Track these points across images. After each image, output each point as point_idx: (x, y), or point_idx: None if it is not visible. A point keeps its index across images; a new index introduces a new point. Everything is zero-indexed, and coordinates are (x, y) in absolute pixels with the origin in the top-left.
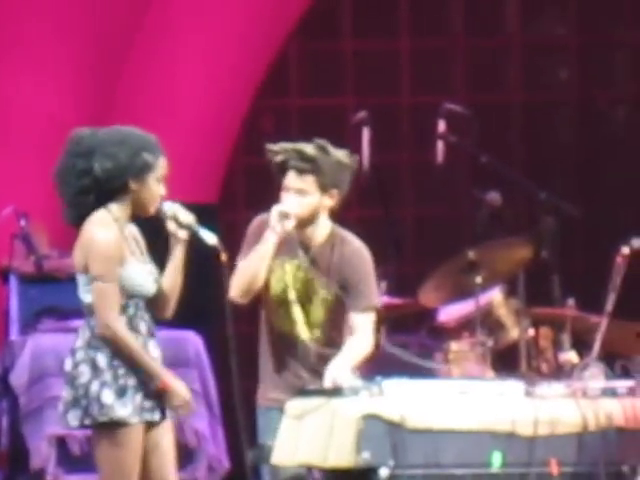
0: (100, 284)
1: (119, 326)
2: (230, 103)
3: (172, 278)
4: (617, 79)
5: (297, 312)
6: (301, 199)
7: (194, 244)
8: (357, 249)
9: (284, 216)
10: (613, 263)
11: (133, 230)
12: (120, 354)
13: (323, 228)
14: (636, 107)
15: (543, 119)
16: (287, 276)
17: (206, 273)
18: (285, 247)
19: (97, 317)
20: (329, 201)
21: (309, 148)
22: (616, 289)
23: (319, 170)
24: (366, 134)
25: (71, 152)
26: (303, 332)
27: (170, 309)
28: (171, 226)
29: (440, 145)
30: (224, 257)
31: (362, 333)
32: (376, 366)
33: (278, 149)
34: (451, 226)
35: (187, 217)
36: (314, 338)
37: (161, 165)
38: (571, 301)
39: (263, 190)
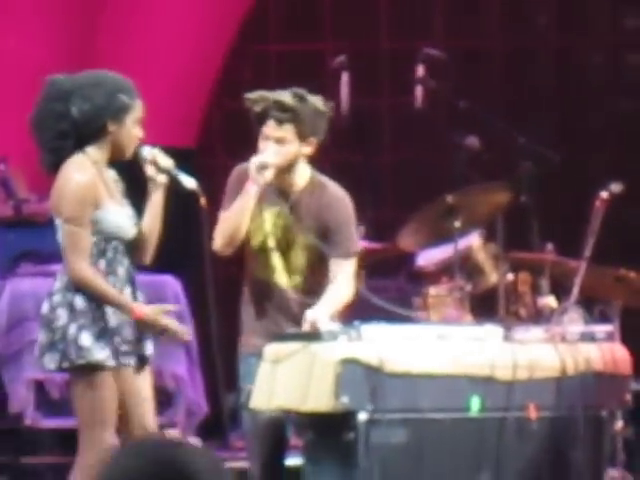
0: (70, 227)
1: (85, 269)
2: (208, 48)
3: (151, 222)
4: (595, 26)
5: (276, 259)
6: (280, 148)
7: (173, 188)
8: (338, 195)
9: (263, 167)
10: (592, 208)
11: (112, 174)
12: (91, 295)
13: (302, 175)
14: (614, 53)
15: (522, 65)
16: (266, 224)
17: (185, 217)
18: (264, 195)
19: (65, 260)
20: (307, 149)
21: (288, 98)
22: (595, 234)
23: (298, 119)
24: (345, 78)
25: (48, 97)
26: (283, 279)
27: (149, 254)
28: (150, 170)
29: (419, 90)
30: (203, 201)
31: (342, 280)
32: (355, 311)
33: (257, 98)
34: (430, 170)
35: (166, 161)
36: (294, 285)
37: (138, 107)
38: (550, 246)
39: (241, 135)
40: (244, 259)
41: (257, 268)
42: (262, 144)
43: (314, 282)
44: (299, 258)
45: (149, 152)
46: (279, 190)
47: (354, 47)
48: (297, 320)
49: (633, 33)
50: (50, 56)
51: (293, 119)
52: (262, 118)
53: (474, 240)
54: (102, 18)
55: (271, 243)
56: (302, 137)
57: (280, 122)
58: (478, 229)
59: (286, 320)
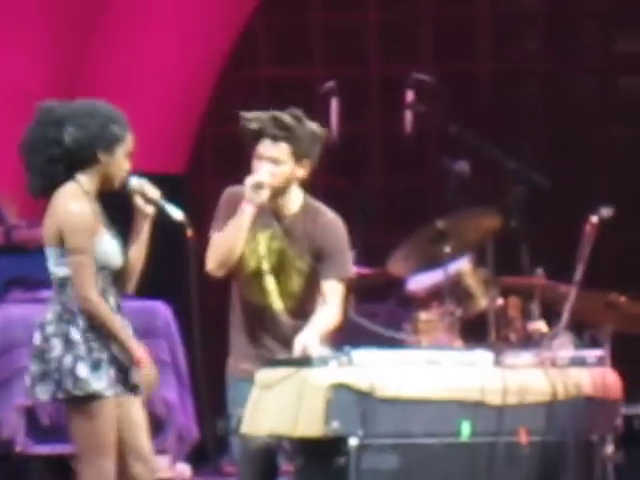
0: (78, 257)
1: (98, 299)
2: (198, 74)
3: (137, 252)
4: (584, 50)
5: (271, 283)
6: (275, 168)
7: (161, 215)
8: (332, 220)
9: (259, 186)
10: (582, 232)
11: (96, 205)
12: (99, 326)
13: (295, 198)
14: (603, 77)
15: (511, 89)
16: (260, 247)
17: (174, 245)
18: (257, 218)
19: (76, 290)
20: (301, 171)
21: (285, 116)
22: (585, 258)
23: (294, 139)
24: (335, 104)
25: (41, 122)
26: (276, 303)
27: (133, 283)
28: (138, 201)
29: (408, 115)
30: (190, 232)
31: (331, 302)
32: (345, 336)
33: (253, 117)
34: (420, 196)
35: (154, 192)
36: (288, 309)
37: (129, 139)
38: (540, 270)
39: (231, 160)
40: (233, 282)
41: (250, 292)
42: (256, 164)
43: (308, 306)
44: (293, 282)
45: (137, 183)
46: (273, 213)
47: (343, 73)
48: (289, 343)
49: (624, 58)
50: (39, 83)
51: (289, 138)
52: (257, 137)
53: (464, 265)
54: (92, 41)
55: (265, 266)
56: (297, 158)
57: (276, 140)
58: (468, 254)
59: (279, 345)
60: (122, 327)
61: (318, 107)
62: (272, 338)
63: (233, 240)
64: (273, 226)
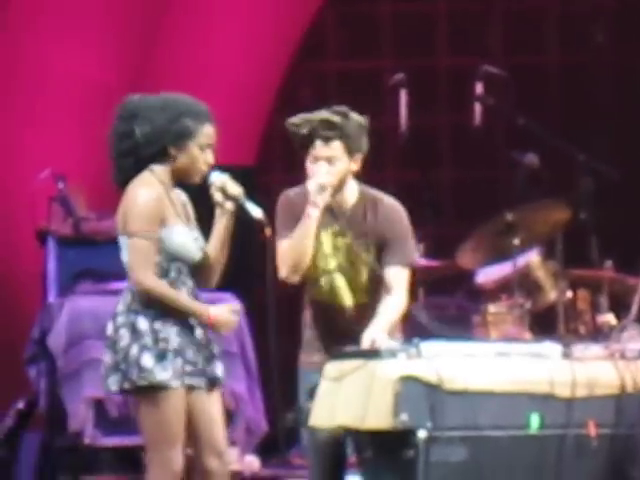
0: (135, 240)
1: (151, 277)
2: (268, 67)
3: (217, 248)
4: None
5: (340, 281)
6: (331, 167)
7: (237, 210)
8: (391, 206)
9: (322, 188)
10: None
11: (182, 196)
12: (158, 305)
13: (352, 192)
14: None
15: (581, 81)
16: (324, 246)
17: (248, 239)
18: (318, 217)
19: (130, 274)
20: (355, 165)
21: (333, 116)
22: None
23: (345, 135)
24: (403, 96)
25: (117, 116)
26: (347, 299)
27: (214, 279)
28: (218, 196)
29: (477, 107)
30: (269, 232)
31: (397, 290)
32: (414, 328)
33: (301, 122)
34: (489, 188)
35: (235, 188)
36: (359, 304)
37: (205, 133)
38: (609, 263)
39: (300, 154)
40: (304, 282)
41: (319, 292)
42: (311, 167)
43: (375, 298)
44: (362, 276)
45: (218, 178)
46: (331, 210)
47: (412, 65)
48: (357, 338)
49: None
50: (110, 76)
51: (340, 136)
52: (309, 140)
53: (533, 257)
54: (159, 39)
55: (332, 265)
56: (350, 153)
57: (328, 140)
58: (537, 246)
59: (350, 339)
60: (186, 297)
61: (387, 99)
62: (343, 333)
63: (303, 245)
64: (334, 223)
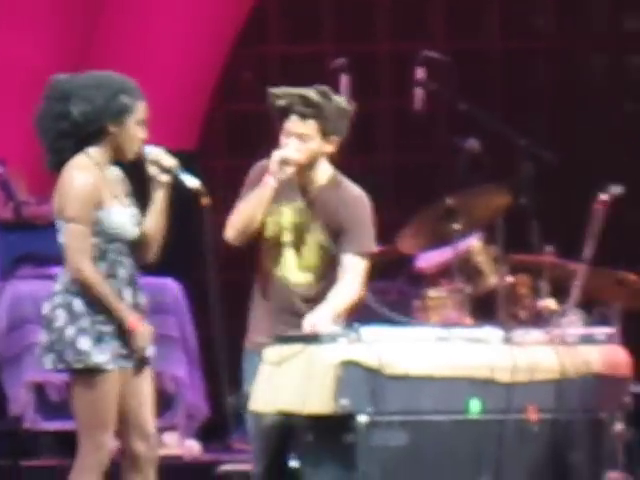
0: (72, 226)
1: (88, 269)
2: (210, 50)
3: (154, 222)
4: (594, 27)
5: (290, 255)
6: (302, 144)
7: (173, 189)
8: (357, 196)
9: (285, 162)
10: (592, 210)
11: (117, 173)
12: (89, 295)
13: (323, 173)
14: (614, 54)
15: (522, 66)
16: (284, 218)
17: (185, 219)
18: (284, 190)
19: (67, 259)
20: (329, 147)
21: (312, 93)
22: (595, 236)
23: (321, 115)
24: (344, 81)
25: (49, 97)
26: (294, 276)
27: (153, 253)
28: (153, 170)
29: (419, 92)
30: (206, 200)
31: (350, 278)
32: (356, 313)
33: (281, 93)
34: (430, 173)
35: (170, 161)
36: (305, 283)
37: (140, 108)
38: (550, 248)
39: (242, 137)
40: (256, 254)
41: (269, 262)
42: (284, 140)
43: (326, 282)
44: (312, 256)
45: (152, 151)
46: (299, 186)
47: (354, 49)
48: (303, 317)
49: (634, 35)
50: (49, 60)
51: (317, 115)
52: (285, 113)
53: (474, 242)
54: (101, 21)
55: (286, 238)
56: (324, 134)
57: (304, 117)
58: (478, 231)
59: (292, 318)
60: (114, 296)
61: (328, 84)
62: (289, 313)
63: (252, 211)
64: (298, 199)
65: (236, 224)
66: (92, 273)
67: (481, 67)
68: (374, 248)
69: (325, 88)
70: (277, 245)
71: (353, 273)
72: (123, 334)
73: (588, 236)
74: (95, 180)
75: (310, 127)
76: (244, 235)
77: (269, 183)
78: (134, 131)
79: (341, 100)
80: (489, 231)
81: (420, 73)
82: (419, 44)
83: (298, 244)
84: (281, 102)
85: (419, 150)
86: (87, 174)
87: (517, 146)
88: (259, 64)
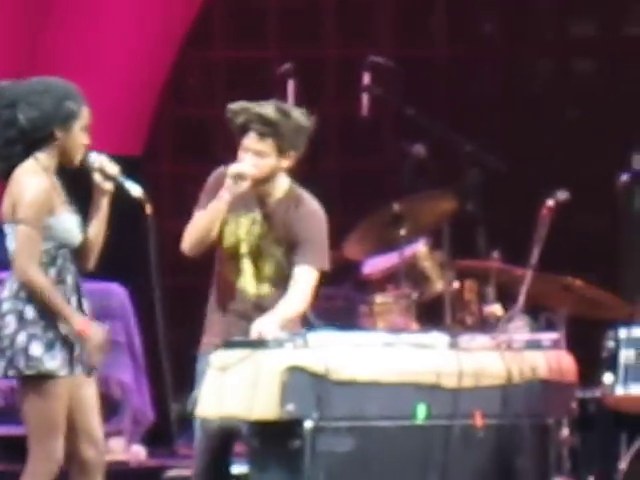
0: (23, 228)
1: (36, 272)
2: (155, 55)
3: (96, 229)
4: (542, 33)
5: (247, 266)
6: (258, 160)
7: (118, 195)
8: (312, 210)
9: (240, 176)
10: (538, 216)
11: (56, 181)
12: (37, 300)
13: (280, 186)
14: (560, 60)
15: (468, 72)
16: (241, 229)
17: (131, 225)
18: (242, 201)
19: (15, 261)
20: (286, 162)
21: (271, 111)
22: (541, 242)
23: (279, 134)
24: (291, 86)
25: None
26: (250, 286)
27: (93, 260)
28: (97, 177)
29: (365, 98)
30: (149, 209)
31: (298, 288)
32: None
33: (238, 110)
34: (376, 178)
35: (113, 168)
36: (261, 293)
37: (85, 114)
38: (496, 254)
39: (187, 142)
40: (215, 262)
41: (227, 272)
42: (241, 155)
43: (279, 294)
44: (269, 268)
45: (96, 159)
46: (257, 198)
47: (300, 55)
48: None
49: (579, 41)
50: None
51: (274, 133)
52: (243, 130)
53: (420, 248)
54: (48, 22)
55: (243, 249)
56: (281, 151)
57: (261, 135)
58: (424, 237)
59: (246, 326)
60: (63, 300)
61: (275, 89)
62: (243, 320)
63: (208, 224)
64: (255, 211)
65: (192, 237)
66: (40, 277)
67: (427, 73)
68: (326, 266)
69: (284, 105)
70: (235, 255)
71: (303, 284)
72: (71, 339)
73: (534, 241)
74: (47, 185)
75: (267, 145)
76: (200, 247)
77: (224, 197)
78: (79, 136)
79: (300, 116)
80: (435, 236)
81: (366, 78)
82: (365, 50)
83: (255, 255)
84: (239, 119)
85: (365, 155)
86: (41, 179)
87: (463, 152)
88: (205, 68)
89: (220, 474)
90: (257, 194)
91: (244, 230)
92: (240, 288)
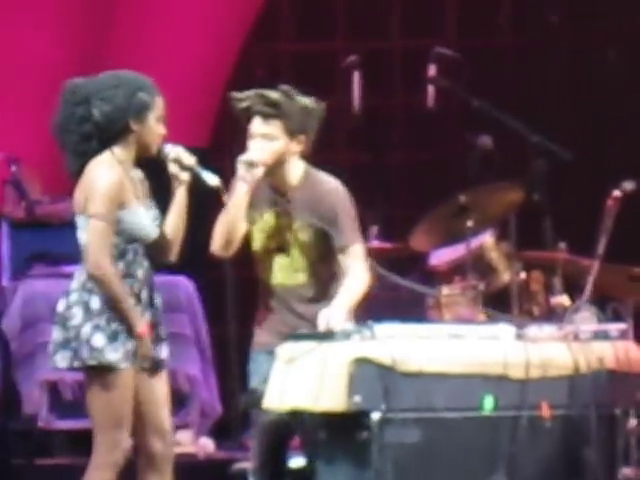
0: (96, 222)
1: (109, 267)
2: (221, 48)
3: (175, 221)
4: (609, 19)
5: (279, 260)
6: (266, 144)
7: (191, 187)
8: (332, 187)
9: (251, 164)
10: (605, 206)
11: (138, 174)
12: (106, 294)
13: (295, 172)
14: (628, 48)
15: (535, 62)
16: (267, 226)
17: (200, 216)
18: (261, 198)
19: (88, 255)
20: (297, 146)
21: (272, 93)
22: (608, 232)
23: (284, 114)
24: (357, 78)
25: (68, 101)
26: (287, 279)
27: (174, 252)
28: (173, 168)
29: (431, 89)
30: (226, 199)
31: (354, 270)
32: (369, 310)
33: (242, 96)
34: (442, 170)
35: (189, 159)
36: (299, 284)
37: (159, 105)
38: (563, 244)
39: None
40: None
41: (263, 271)
42: (249, 142)
43: (318, 280)
44: (300, 256)
45: (172, 149)
46: (274, 190)
47: (366, 46)
48: (303, 318)
49: None
50: (65, 56)
51: (279, 114)
52: (248, 115)
53: (487, 239)
54: (116, 17)
55: (272, 244)
56: (290, 133)
57: (266, 117)
58: (491, 228)
59: (297, 320)
60: (128, 298)
61: (340, 81)
62: (286, 313)
63: (232, 219)
64: (277, 204)
65: (219, 236)
66: (110, 271)
67: (493, 64)
68: (359, 235)
69: (288, 87)
70: (266, 253)
71: (355, 263)
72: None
73: (601, 232)
74: (120, 178)
75: (274, 127)
76: (229, 246)
77: (240, 188)
78: (154, 127)
79: (306, 99)
80: (502, 228)
81: (432, 70)
82: (431, 41)
83: (285, 247)
84: (242, 104)
85: (431, 147)
86: (113, 172)
87: (529, 142)
88: (271, 61)
89: (278, 468)
90: (274, 185)
91: (270, 225)
92: (277, 283)
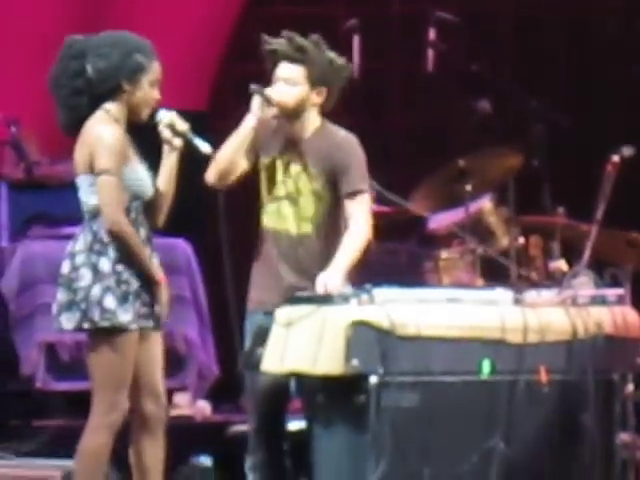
0: (108, 177)
1: (125, 222)
2: (219, 11)
3: (166, 186)
4: None
5: (287, 207)
6: (288, 88)
7: (185, 151)
8: (346, 137)
9: (267, 100)
10: (603, 171)
11: (128, 137)
12: (124, 248)
13: (312, 123)
14: (626, 17)
15: (534, 28)
16: (278, 172)
17: (197, 179)
18: (275, 143)
19: (104, 212)
20: (316, 97)
21: (301, 39)
22: (606, 197)
23: (309, 61)
24: (356, 42)
25: (65, 55)
26: (293, 227)
27: (162, 217)
28: (166, 133)
29: (430, 53)
30: None
31: (355, 222)
32: (367, 274)
33: (272, 40)
34: (441, 134)
35: (183, 125)
36: (304, 233)
37: (154, 69)
38: (561, 209)
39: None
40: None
41: (268, 217)
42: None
43: (325, 231)
44: (309, 205)
45: (166, 115)
46: (290, 138)
47: (365, 11)
48: (303, 269)
49: None
50: (61, 20)
51: (303, 60)
52: (275, 59)
53: (485, 204)
54: None
55: (281, 191)
56: (312, 82)
57: (291, 61)
58: (489, 193)
59: (297, 274)
60: (145, 250)
61: (340, 45)
62: (289, 267)
63: (232, 151)
64: (289, 151)
65: (217, 166)
66: (128, 226)
67: (492, 29)
68: (367, 185)
69: (318, 38)
70: (274, 199)
71: (358, 214)
72: (144, 293)
73: (599, 197)
74: (122, 135)
75: (296, 72)
76: (225, 177)
77: (248, 122)
78: (148, 91)
79: (334, 55)
80: (501, 192)
81: (431, 34)
82: (431, 5)
83: (294, 195)
84: (271, 46)
85: (430, 111)
86: (114, 128)
87: (528, 108)
88: (269, 25)
89: (276, 430)
90: (290, 134)
91: (281, 172)
92: (283, 230)
